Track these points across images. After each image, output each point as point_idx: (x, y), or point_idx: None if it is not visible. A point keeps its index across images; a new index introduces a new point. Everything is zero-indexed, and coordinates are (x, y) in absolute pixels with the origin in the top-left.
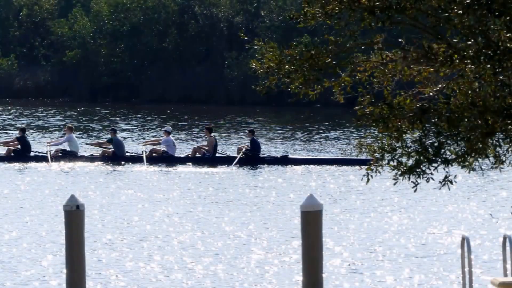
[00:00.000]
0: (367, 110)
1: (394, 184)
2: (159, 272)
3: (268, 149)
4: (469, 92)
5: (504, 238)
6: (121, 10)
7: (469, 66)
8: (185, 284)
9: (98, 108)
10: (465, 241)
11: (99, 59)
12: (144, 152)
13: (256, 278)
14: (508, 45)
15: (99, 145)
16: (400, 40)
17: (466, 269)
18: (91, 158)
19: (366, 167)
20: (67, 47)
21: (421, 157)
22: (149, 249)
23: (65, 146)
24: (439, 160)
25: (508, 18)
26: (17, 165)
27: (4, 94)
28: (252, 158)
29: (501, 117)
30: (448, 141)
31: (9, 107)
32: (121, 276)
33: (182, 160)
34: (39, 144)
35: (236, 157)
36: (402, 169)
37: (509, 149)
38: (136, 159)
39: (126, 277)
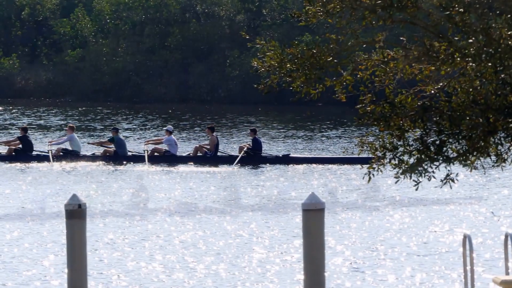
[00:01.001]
0: (369, 108)
1: (396, 182)
2: (160, 271)
3: (270, 148)
4: (471, 90)
5: (506, 236)
6: (123, 9)
7: (471, 64)
8: (187, 284)
9: (99, 108)
10: (467, 239)
11: (101, 58)
12: (146, 151)
13: (257, 277)
14: (509, 43)
15: (100, 144)
16: (401, 38)
17: (468, 268)
18: (93, 158)
19: (367, 165)
20: (69, 46)
21: (423, 156)
22: (151, 249)
23: (67, 146)
24: (441, 158)
25: (509, 16)
26: (18, 164)
27: (6, 94)
28: (253, 157)
29: (503, 115)
30: (450, 140)
31: (11, 107)
32: (122, 275)
33: (184, 159)
34: (40, 143)
35: (237, 156)
36: (403, 168)
37: (511, 147)
38: (138, 159)
39: (128, 276)
